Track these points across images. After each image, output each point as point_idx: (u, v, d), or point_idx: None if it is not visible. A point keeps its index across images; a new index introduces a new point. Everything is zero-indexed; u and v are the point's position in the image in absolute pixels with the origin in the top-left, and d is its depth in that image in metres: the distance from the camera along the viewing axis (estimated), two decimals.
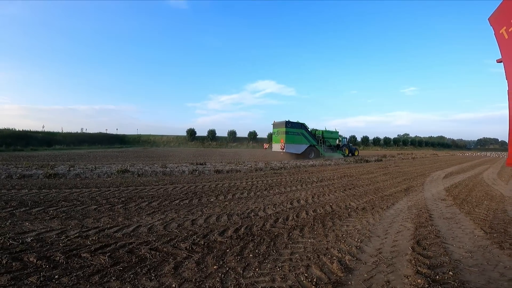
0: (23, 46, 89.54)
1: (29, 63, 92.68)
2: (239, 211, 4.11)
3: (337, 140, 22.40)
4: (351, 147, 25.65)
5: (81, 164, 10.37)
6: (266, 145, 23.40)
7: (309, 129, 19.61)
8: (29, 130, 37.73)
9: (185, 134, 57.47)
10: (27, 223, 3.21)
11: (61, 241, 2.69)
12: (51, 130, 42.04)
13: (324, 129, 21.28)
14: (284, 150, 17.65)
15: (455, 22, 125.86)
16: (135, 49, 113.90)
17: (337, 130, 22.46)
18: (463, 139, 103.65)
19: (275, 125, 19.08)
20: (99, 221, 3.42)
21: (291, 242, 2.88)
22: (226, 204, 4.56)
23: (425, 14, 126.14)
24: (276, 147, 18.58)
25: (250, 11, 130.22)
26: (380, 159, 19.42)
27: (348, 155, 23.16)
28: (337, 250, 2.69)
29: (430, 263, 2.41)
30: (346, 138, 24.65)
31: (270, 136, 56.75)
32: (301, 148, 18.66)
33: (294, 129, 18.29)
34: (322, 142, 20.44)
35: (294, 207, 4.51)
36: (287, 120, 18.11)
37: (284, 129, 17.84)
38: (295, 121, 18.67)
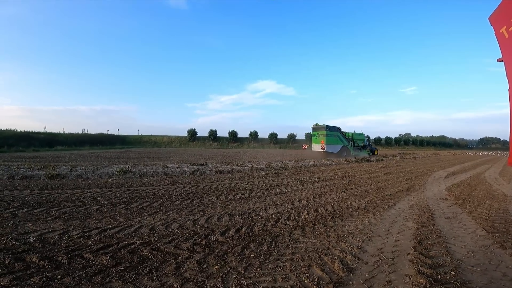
0: (23, 46, 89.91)
1: (29, 63, 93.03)
2: (240, 211, 4.11)
3: (363, 141, 25.29)
4: (372, 147, 28.05)
5: (83, 164, 10.40)
6: (305, 146, 25.58)
7: (343, 132, 22.06)
8: (30, 131, 37.92)
9: (186, 134, 57.54)
10: (30, 224, 3.23)
11: (63, 241, 2.70)
12: (53, 131, 42.34)
13: (353, 132, 23.99)
14: (324, 150, 20.16)
15: (455, 21, 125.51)
16: (135, 49, 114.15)
17: (363, 132, 25.52)
18: (465, 138, 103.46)
19: (315, 128, 21.68)
20: (101, 221, 3.43)
21: (292, 242, 2.88)
22: (228, 204, 4.56)
23: (425, 13, 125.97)
24: (317, 147, 21.08)
25: (250, 11, 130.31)
26: (381, 158, 19.42)
27: (370, 154, 25.37)
28: (339, 250, 2.69)
29: (432, 263, 2.41)
30: (367, 139, 27.28)
31: (271, 136, 57.61)
32: (337, 148, 21.17)
33: (332, 131, 20.87)
34: (352, 143, 23.04)
35: (295, 207, 4.51)
36: (327, 124, 20.79)
37: (324, 132, 20.38)
38: (332, 125, 21.34)
